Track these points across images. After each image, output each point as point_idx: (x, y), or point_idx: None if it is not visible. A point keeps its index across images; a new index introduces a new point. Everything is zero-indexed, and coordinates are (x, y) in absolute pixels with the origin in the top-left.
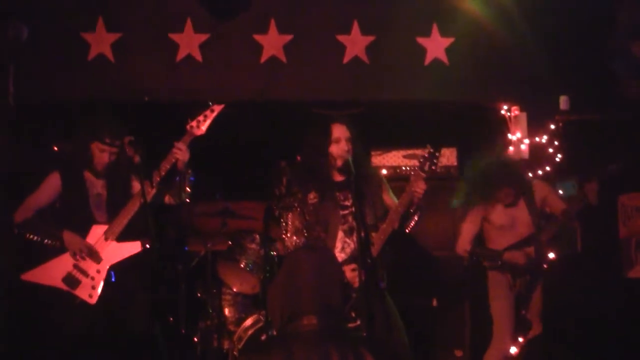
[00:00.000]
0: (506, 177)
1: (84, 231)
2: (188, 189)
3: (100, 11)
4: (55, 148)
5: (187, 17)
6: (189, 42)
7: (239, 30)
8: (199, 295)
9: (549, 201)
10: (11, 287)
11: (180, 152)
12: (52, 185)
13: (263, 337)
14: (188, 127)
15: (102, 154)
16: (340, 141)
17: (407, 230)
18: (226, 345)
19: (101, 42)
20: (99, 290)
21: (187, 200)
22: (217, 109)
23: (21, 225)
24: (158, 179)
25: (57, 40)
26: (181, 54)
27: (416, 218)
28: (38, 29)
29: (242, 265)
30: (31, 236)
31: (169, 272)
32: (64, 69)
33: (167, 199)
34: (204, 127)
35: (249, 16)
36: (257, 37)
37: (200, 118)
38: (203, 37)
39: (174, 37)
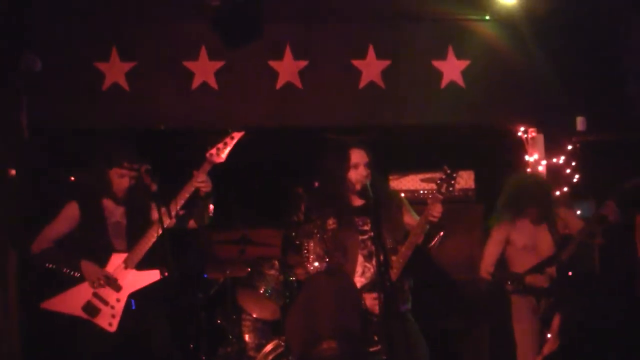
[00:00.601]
0: (536, 196)
1: (103, 260)
2: (210, 214)
3: (114, 41)
4: (72, 178)
5: (201, 45)
6: (204, 70)
7: (254, 57)
8: (218, 322)
9: (569, 222)
10: (30, 316)
11: (202, 183)
12: (70, 215)
13: None
14: (207, 154)
15: (121, 180)
16: (358, 166)
17: (430, 246)
18: None
19: (115, 71)
20: (119, 318)
21: (208, 222)
22: (237, 136)
23: (39, 256)
24: (178, 207)
25: (71, 71)
26: (197, 82)
27: (441, 234)
28: (52, 60)
29: (261, 292)
30: (49, 265)
31: (189, 299)
32: (78, 100)
33: (191, 223)
34: (223, 155)
35: (263, 42)
36: (273, 63)
37: (220, 145)
38: (218, 65)
39: (189, 65)
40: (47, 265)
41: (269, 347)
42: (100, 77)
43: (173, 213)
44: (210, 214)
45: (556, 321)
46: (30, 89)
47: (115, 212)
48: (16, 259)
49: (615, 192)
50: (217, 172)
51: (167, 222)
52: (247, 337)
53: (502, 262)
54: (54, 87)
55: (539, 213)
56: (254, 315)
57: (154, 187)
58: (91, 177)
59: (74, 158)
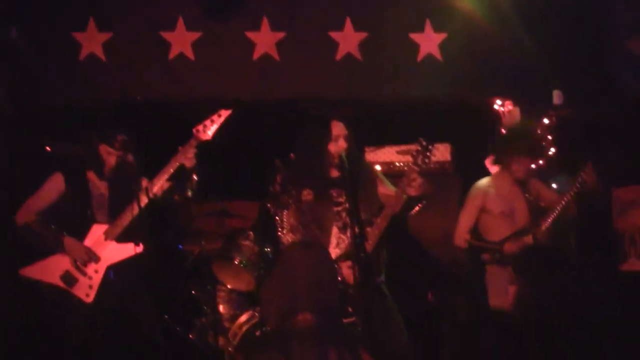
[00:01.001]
0: (529, 144)
1: (84, 230)
2: (193, 188)
3: (91, 10)
4: (48, 148)
5: (178, 16)
6: (181, 41)
7: (232, 28)
8: (193, 292)
9: (542, 195)
10: (11, 284)
11: (186, 159)
12: (55, 186)
13: (257, 334)
14: (194, 130)
15: (109, 157)
16: (338, 139)
17: (410, 214)
18: (221, 341)
19: (92, 42)
20: (96, 289)
21: (191, 195)
22: (225, 114)
23: (22, 229)
24: (162, 181)
25: (47, 41)
26: (173, 53)
27: (423, 203)
28: (28, 29)
29: (236, 263)
30: (32, 240)
31: (164, 271)
32: (55, 70)
33: (176, 198)
34: (210, 132)
35: (241, 14)
36: (250, 34)
37: (207, 123)
38: (195, 36)
39: (166, 35)
40: (28, 241)
41: (243, 318)
42: (77, 47)
43: (157, 187)
44: (194, 188)
45: (511, 290)
46: (6, 59)
47: (99, 185)
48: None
49: (594, 158)
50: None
51: (151, 195)
52: (221, 307)
53: (476, 232)
54: (30, 58)
55: (527, 167)
56: (229, 286)
57: (131, 158)
58: (80, 149)
59: (55, 130)
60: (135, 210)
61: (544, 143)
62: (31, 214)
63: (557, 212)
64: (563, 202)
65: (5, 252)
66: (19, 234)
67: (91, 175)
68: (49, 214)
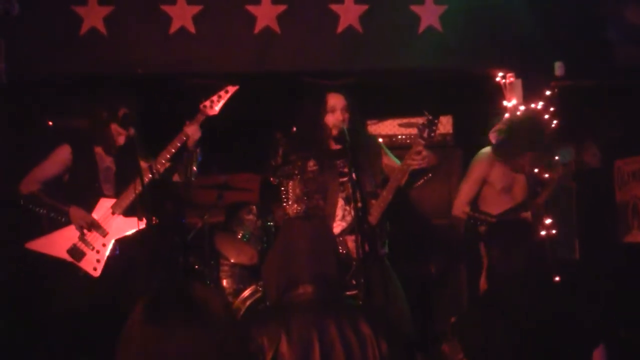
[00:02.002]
0: (532, 142)
1: (91, 204)
2: (195, 168)
3: None
4: (50, 123)
5: None
6: (182, 14)
7: (232, 1)
8: (196, 267)
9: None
10: (13, 256)
11: (192, 131)
12: (61, 157)
13: (261, 307)
14: (201, 106)
15: (118, 137)
16: (335, 110)
17: (415, 185)
18: None
19: (93, 15)
20: (103, 263)
21: (193, 179)
22: (232, 90)
23: (26, 197)
24: (168, 157)
25: (48, 15)
26: (174, 26)
27: (429, 175)
28: (29, 3)
29: (239, 237)
30: (37, 209)
31: (167, 245)
32: (55, 44)
33: (176, 176)
34: (217, 108)
35: None
36: (250, 7)
37: (214, 98)
38: (196, 9)
39: (167, 9)
40: (34, 208)
41: (246, 292)
42: (78, 21)
43: (162, 162)
44: (195, 170)
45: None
46: (7, 33)
47: (105, 159)
48: None
49: (596, 138)
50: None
51: (155, 170)
52: (224, 282)
53: (474, 203)
54: (31, 32)
55: (531, 159)
56: (232, 260)
57: (132, 132)
58: (91, 124)
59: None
60: (140, 184)
61: (546, 131)
62: (36, 183)
63: (553, 185)
64: (557, 181)
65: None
66: (23, 204)
67: (98, 150)
68: (56, 185)
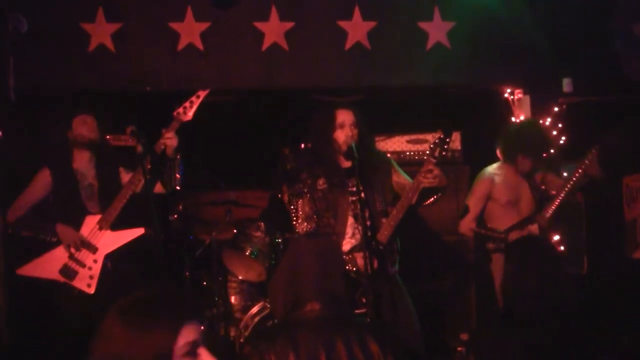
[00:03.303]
0: (533, 145)
1: (77, 223)
2: (178, 176)
3: (100, 1)
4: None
5: (187, 6)
6: (190, 31)
7: (240, 18)
8: (204, 283)
9: (547, 180)
10: (8, 283)
11: (168, 139)
12: (42, 181)
13: (269, 324)
14: (175, 113)
15: (86, 124)
16: (344, 126)
17: (425, 203)
18: (232, 333)
19: (101, 32)
20: (97, 279)
21: (178, 187)
22: (203, 94)
23: (14, 223)
24: (147, 167)
25: (57, 32)
26: (182, 43)
27: (436, 197)
28: (38, 20)
29: (247, 253)
30: (26, 233)
31: (174, 261)
32: (64, 61)
33: (158, 187)
34: (190, 113)
35: (249, 3)
36: (258, 24)
37: (187, 104)
38: (204, 26)
39: (175, 26)
40: (23, 232)
41: (254, 309)
42: (86, 38)
43: (144, 173)
44: (178, 177)
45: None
46: (16, 50)
47: (87, 175)
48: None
49: (596, 146)
50: (205, 133)
51: (140, 183)
52: (233, 298)
53: (481, 219)
54: (40, 49)
55: (532, 164)
56: (240, 277)
57: (140, 149)
58: (54, 141)
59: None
60: (126, 197)
61: (551, 138)
62: (21, 210)
63: (560, 198)
64: (566, 189)
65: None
66: (11, 232)
67: (79, 166)
68: (41, 209)
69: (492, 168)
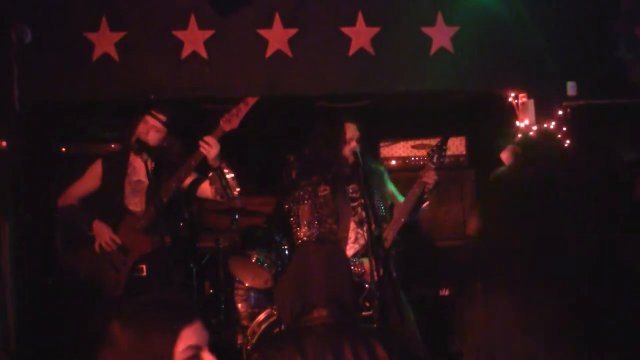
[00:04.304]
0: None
1: (117, 219)
2: (231, 183)
3: (104, 10)
4: (63, 149)
5: (190, 14)
6: (194, 39)
7: (244, 25)
8: (210, 291)
9: None
10: (36, 286)
11: (207, 146)
12: (93, 173)
13: (276, 331)
14: (221, 121)
15: (149, 131)
16: (351, 142)
17: (421, 207)
18: (239, 340)
19: (105, 41)
20: (124, 283)
21: (235, 193)
22: (251, 102)
23: (61, 210)
24: (185, 173)
25: (60, 41)
26: (186, 51)
27: (424, 206)
28: (41, 30)
29: (253, 260)
30: (70, 222)
31: (181, 269)
32: (68, 70)
33: (207, 191)
34: (236, 122)
35: (252, 11)
36: (262, 31)
37: (234, 111)
38: (208, 34)
39: (178, 34)
40: (68, 222)
41: (261, 316)
42: (90, 47)
43: (183, 177)
44: (231, 185)
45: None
46: (20, 60)
47: (139, 171)
48: (7, 229)
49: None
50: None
51: (176, 187)
52: (239, 306)
53: None
54: (44, 58)
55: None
56: (246, 284)
57: (144, 158)
58: (122, 137)
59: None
60: (165, 201)
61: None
62: (72, 199)
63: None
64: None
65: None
66: (58, 217)
67: (135, 160)
68: (88, 202)
69: (501, 171)
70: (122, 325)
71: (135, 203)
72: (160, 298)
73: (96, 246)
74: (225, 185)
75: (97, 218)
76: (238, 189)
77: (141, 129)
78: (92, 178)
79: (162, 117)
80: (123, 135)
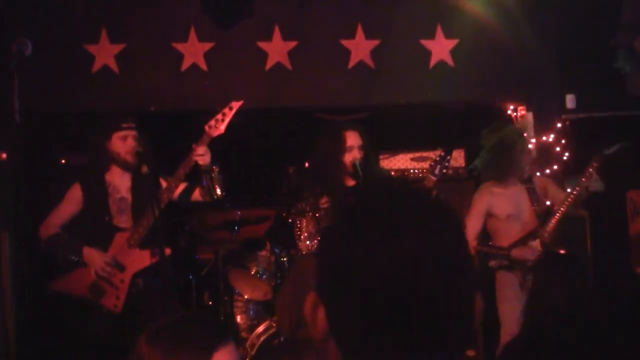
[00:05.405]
0: (519, 155)
1: (106, 240)
2: (218, 187)
3: (104, 22)
4: (63, 161)
5: (191, 26)
6: (194, 51)
7: (243, 37)
8: (210, 303)
9: (549, 191)
10: (37, 297)
11: (200, 156)
12: (73, 197)
13: (275, 343)
14: (206, 127)
15: (125, 142)
16: (353, 149)
17: None
18: (239, 352)
19: (105, 53)
20: (124, 299)
21: (218, 197)
22: (236, 106)
23: (46, 241)
24: (178, 181)
25: (60, 53)
26: (186, 63)
27: None
28: (41, 42)
29: (252, 273)
30: (56, 252)
31: (180, 280)
32: (68, 82)
33: (197, 196)
34: (222, 127)
35: (252, 23)
36: (262, 44)
37: (219, 117)
38: (207, 46)
39: (178, 46)
40: (52, 252)
41: (260, 328)
42: (90, 59)
43: (172, 188)
44: (220, 185)
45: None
46: (21, 72)
47: (120, 188)
48: (9, 242)
49: (596, 159)
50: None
51: (167, 197)
52: (238, 318)
53: (484, 236)
54: (44, 70)
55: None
56: (246, 296)
57: (145, 169)
58: (91, 153)
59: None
60: (154, 214)
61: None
62: (54, 227)
63: (560, 212)
64: (567, 202)
65: (26, 267)
66: (43, 248)
67: (112, 178)
68: (72, 225)
69: (488, 183)
70: (150, 343)
71: (125, 220)
72: (193, 317)
73: (92, 273)
74: (211, 186)
75: (86, 243)
76: (220, 192)
77: (118, 145)
78: (72, 203)
79: (132, 123)
80: (94, 155)
